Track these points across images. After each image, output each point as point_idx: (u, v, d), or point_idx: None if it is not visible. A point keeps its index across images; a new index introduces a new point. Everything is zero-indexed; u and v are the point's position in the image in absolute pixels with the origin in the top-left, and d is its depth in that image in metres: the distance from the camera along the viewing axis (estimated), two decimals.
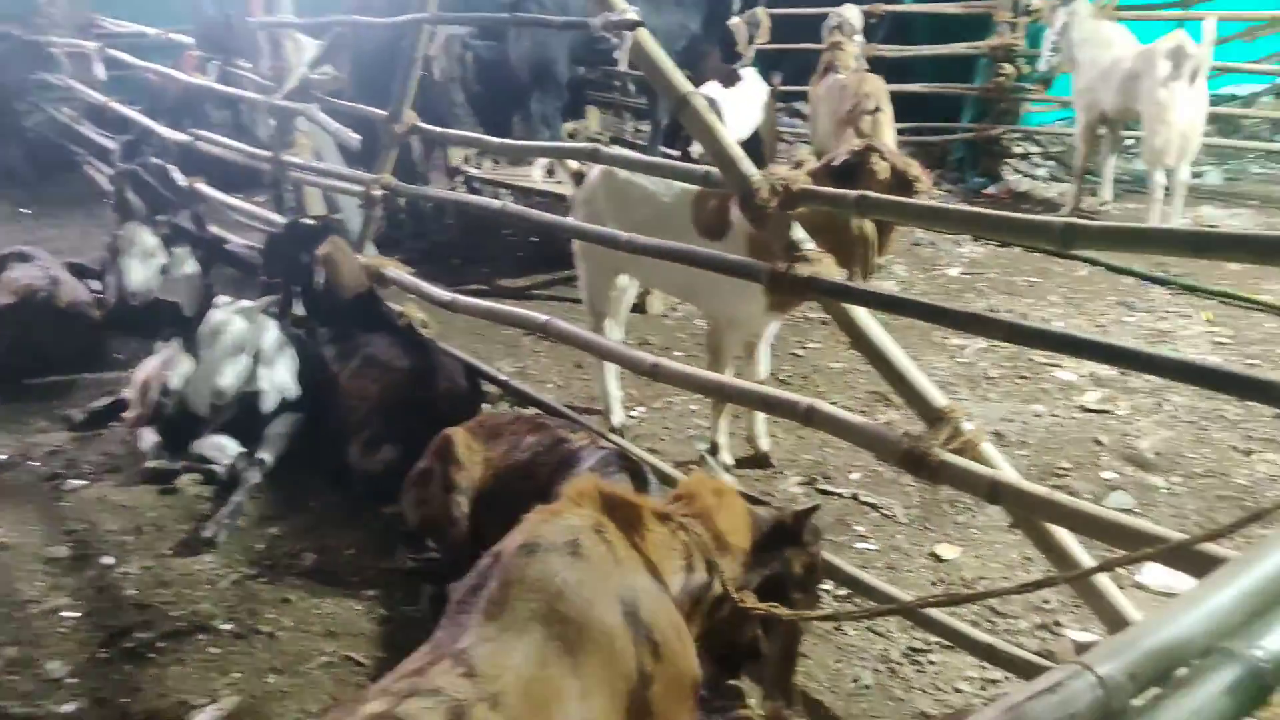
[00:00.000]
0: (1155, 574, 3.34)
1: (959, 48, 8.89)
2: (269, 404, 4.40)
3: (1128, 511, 3.89)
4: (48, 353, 5.73)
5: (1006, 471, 2.43)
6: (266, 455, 4.30)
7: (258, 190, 7.70)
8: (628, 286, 4.64)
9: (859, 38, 7.55)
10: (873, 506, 4.01)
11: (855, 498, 4.07)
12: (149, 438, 4.54)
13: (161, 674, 3.07)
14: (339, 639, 3.25)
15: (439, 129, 4.85)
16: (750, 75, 7.69)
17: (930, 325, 5.63)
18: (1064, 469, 4.27)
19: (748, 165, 2.76)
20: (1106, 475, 4.21)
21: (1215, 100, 9.98)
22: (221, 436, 4.37)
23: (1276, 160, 9.12)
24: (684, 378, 3.11)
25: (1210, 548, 1.69)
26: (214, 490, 4.20)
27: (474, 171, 7.68)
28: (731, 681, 2.28)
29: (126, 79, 9.60)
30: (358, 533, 3.90)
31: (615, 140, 8.84)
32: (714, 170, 2.96)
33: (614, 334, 4.55)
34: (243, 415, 4.39)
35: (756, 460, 4.35)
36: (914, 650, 3.16)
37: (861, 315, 2.63)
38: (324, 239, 4.60)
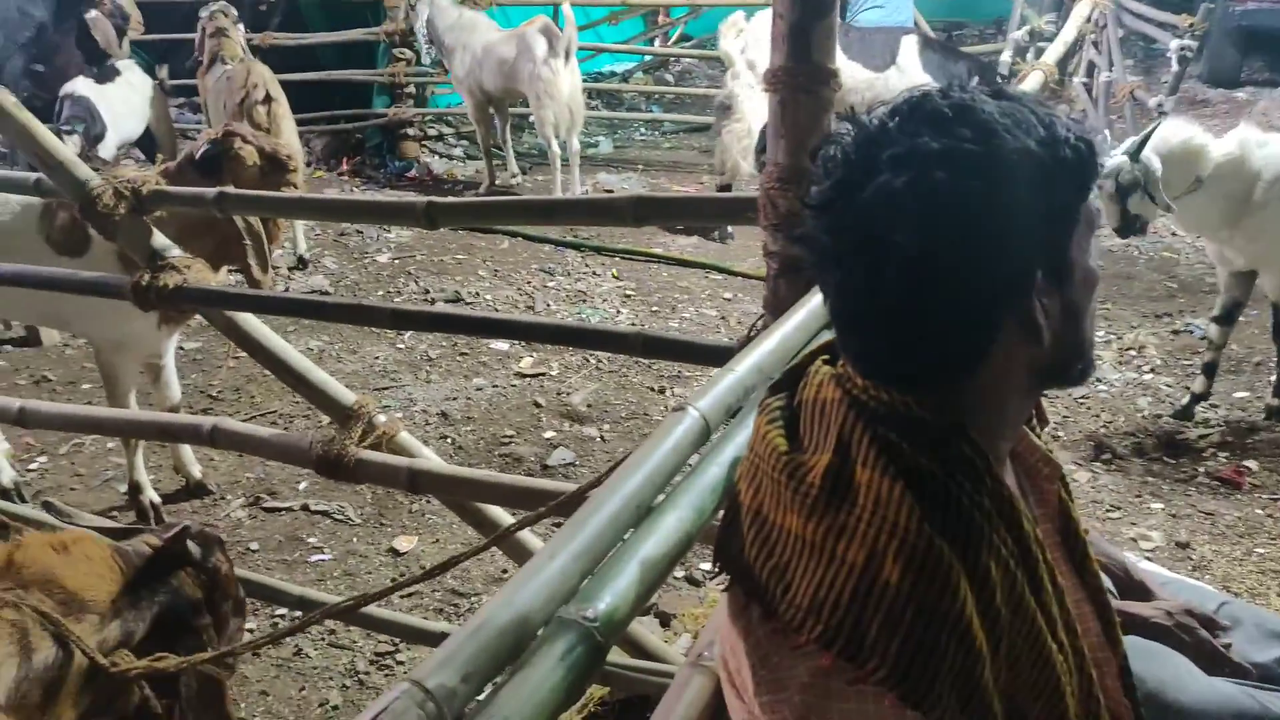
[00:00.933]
0: None
1: (356, 34, 8.85)
2: None
3: (569, 465, 4.19)
4: None
5: (424, 458, 2.41)
6: None
7: None
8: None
9: (242, 26, 7.17)
10: (324, 514, 3.84)
11: (305, 508, 3.87)
12: None
13: None
14: None
15: None
16: (131, 69, 6.95)
17: None
18: (509, 436, 4.46)
19: (82, 169, 2.41)
20: (548, 435, 4.48)
21: (597, 77, 11.21)
22: None
23: (653, 128, 10.45)
24: (62, 418, 2.68)
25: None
26: None
27: None
28: None
29: None
30: None
31: None
32: (43, 177, 2.55)
33: None
34: None
35: (190, 490, 3.95)
36: (380, 655, 3.09)
37: (248, 319, 2.45)
38: None
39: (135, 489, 3.73)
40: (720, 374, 1.46)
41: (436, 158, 9.28)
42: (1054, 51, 5.69)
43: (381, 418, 2.48)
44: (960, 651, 0.95)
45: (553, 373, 5.09)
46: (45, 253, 3.23)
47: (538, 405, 4.74)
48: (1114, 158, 3.59)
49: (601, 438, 4.45)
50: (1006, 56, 8.65)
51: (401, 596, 3.32)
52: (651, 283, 6.34)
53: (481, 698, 0.96)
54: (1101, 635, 1.22)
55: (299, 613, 3.15)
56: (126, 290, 2.47)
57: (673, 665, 2.40)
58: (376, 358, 5.25)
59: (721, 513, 1.19)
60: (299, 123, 6.78)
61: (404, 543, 3.65)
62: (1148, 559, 3.03)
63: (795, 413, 1.11)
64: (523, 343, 5.39)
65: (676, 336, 2.42)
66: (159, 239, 2.51)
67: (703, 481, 1.30)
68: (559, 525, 1.26)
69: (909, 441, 1.00)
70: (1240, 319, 4.32)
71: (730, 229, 6.99)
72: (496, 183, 8.13)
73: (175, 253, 2.51)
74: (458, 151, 9.41)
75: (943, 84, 1.07)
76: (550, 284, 6.34)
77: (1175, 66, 6.67)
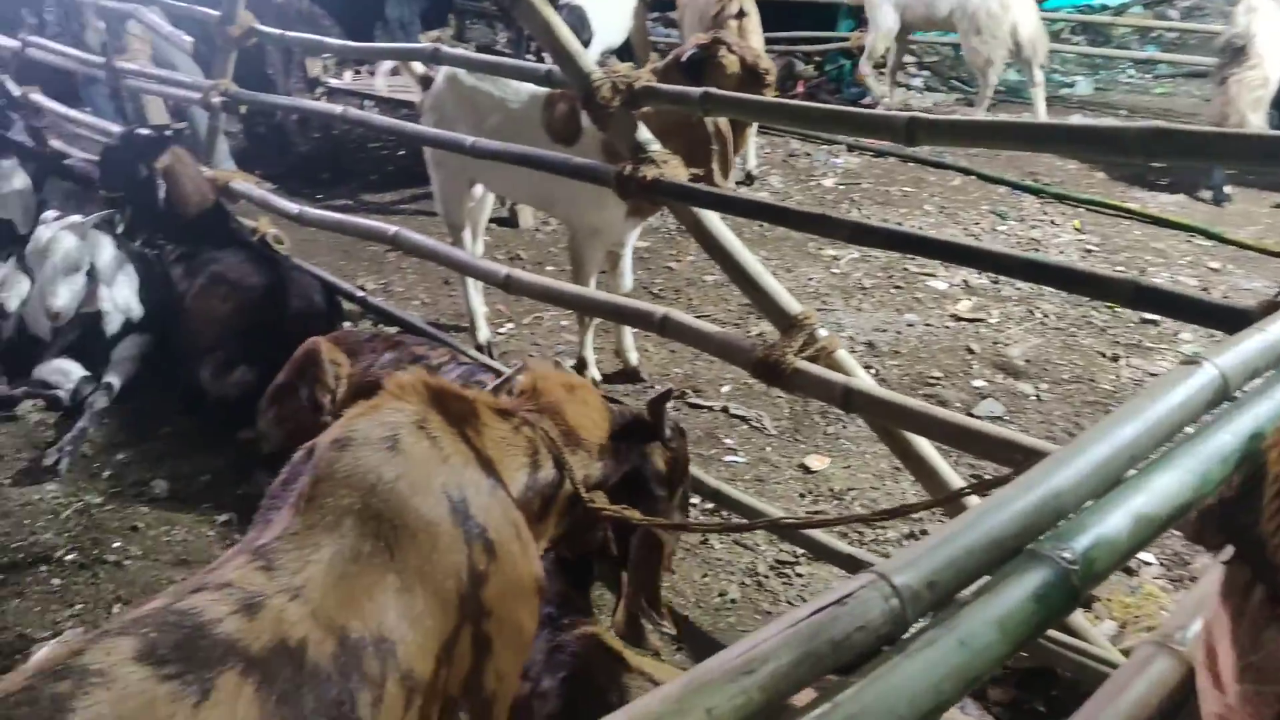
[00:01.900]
0: None
1: None
2: (113, 325, 4.13)
3: (997, 419, 3.96)
4: None
5: (861, 378, 2.39)
6: (113, 379, 4.05)
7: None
8: (484, 197, 4.47)
9: None
10: (742, 419, 3.98)
11: (725, 410, 4.04)
12: None
13: None
14: (191, 567, 3.09)
15: (276, 31, 4.52)
16: None
17: (805, 236, 5.64)
18: (935, 378, 4.31)
19: (587, 62, 2.61)
20: (977, 383, 4.27)
21: (1086, 9, 10.13)
22: (64, 360, 4.10)
23: (1146, 70, 9.31)
24: (538, 289, 2.99)
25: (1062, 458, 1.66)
26: (57, 417, 3.98)
27: (334, 82, 7.29)
28: (580, 595, 2.21)
29: None
30: (212, 458, 3.72)
31: (483, 49, 8.47)
32: (555, 69, 2.80)
33: (474, 247, 4.39)
34: (86, 337, 4.13)
35: (626, 374, 4.28)
36: (781, 563, 3.16)
37: (711, 219, 2.54)
38: (164, 150, 4.27)
39: (581, 364, 4.12)
40: (1247, 333, 1.27)
41: (895, 86, 9.02)
42: None
43: (823, 332, 2.49)
44: None
45: (991, 320, 4.81)
46: (544, 139, 3.60)
47: (970, 351, 4.52)
48: None
49: (1037, 397, 4.15)
50: None
51: (808, 512, 3.37)
52: (1119, 240, 5.74)
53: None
54: None
55: (711, 504, 3.33)
56: (610, 178, 2.67)
57: (1094, 646, 2.21)
58: (810, 279, 5.29)
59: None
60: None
61: (816, 461, 3.69)
62: None
63: None
64: (962, 285, 5.16)
65: (1178, 289, 2.14)
66: (643, 133, 2.68)
67: (1210, 447, 1.13)
68: (976, 479, 1.17)
69: None
70: None
71: (1228, 190, 6.09)
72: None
73: (655, 148, 2.67)
74: (916, 82, 9.07)
75: None
76: (1000, 228, 5.97)
77: None
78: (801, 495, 3.49)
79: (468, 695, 1.56)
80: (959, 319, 4.85)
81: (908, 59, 9.36)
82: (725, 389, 4.21)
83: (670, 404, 2.09)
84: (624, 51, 8.04)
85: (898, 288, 5.18)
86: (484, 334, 4.44)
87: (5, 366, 4.24)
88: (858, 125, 2.37)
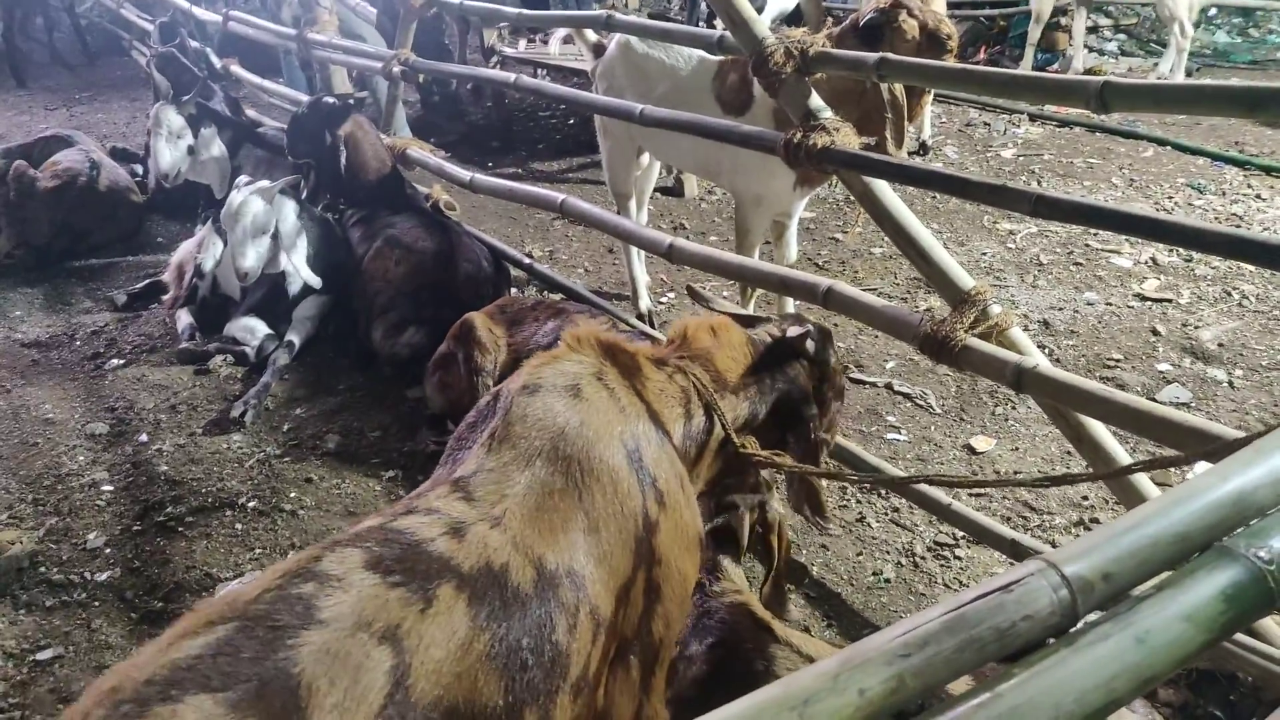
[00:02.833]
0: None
1: None
2: (295, 286, 4.36)
3: (1183, 406, 3.70)
4: (91, 236, 5.85)
5: (1035, 357, 2.27)
6: (294, 338, 4.30)
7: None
8: (650, 165, 4.47)
9: None
10: (906, 396, 3.87)
11: (889, 387, 3.93)
12: (184, 319, 4.60)
13: (190, 547, 3.13)
14: (358, 519, 3.25)
15: (454, 0, 4.62)
16: None
17: (980, 209, 5.40)
18: (1114, 360, 4.07)
19: (760, 27, 2.55)
20: (1162, 367, 4.00)
21: None
22: (252, 318, 4.37)
23: None
24: (701, 259, 2.97)
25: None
26: (244, 371, 4.24)
27: (508, 50, 7.44)
28: (731, 563, 2.19)
29: None
30: (382, 415, 3.89)
31: (656, 16, 8.46)
32: (727, 34, 2.76)
33: (639, 216, 4.40)
34: (271, 297, 4.38)
35: None
36: (939, 545, 3.06)
37: (882, 189, 2.45)
38: (346, 118, 4.47)
39: None
40: None
41: (1088, 51, 8.48)
42: None
43: (996, 308, 2.37)
44: None
45: (1181, 300, 4.49)
46: (713, 108, 3.57)
47: (1155, 333, 4.23)
48: None
49: (1230, 383, 3.85)
50: None
51: (971, 494, 3.25)
52: None
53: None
54: None
55: (868, 483, 3.26)
56: (779, 146, 2.62)
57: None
58: (984, 254, 5.07)
59: None
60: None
61: (981, 442, 3.55)
62: None
63: None
64: (1149, 263, 4.83)
65: None
66: (815, 100, 2.61)
67: None
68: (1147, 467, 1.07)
69: None
70: None
71: None
72: None
73: (827, 115, 2.60)
74: (1110, 46, 8.50)
75: None
76: (1197, 202, 5.54)
77: None
78: (963, 476, 3.36)
79: (639, 638, 1.60)
80: (1144, 298, 4.54)
81: (1103, 21, 8.79)
82: (889, 365, 4.10)
83: (809, 334, 2.05)
84: (795, 18, 7.90)
85: (1078, 264, 4.90)
86: (645, 302, 4.47)
87: (201, 323, 4.55)
88: (1045, 91, 2.21)
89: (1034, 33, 7.58)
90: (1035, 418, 3.63)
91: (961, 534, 3.03)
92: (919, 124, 6.42)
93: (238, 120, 5.56)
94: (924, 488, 2.93)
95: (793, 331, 2.04)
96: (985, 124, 7.04)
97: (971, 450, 3.51)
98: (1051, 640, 0.83)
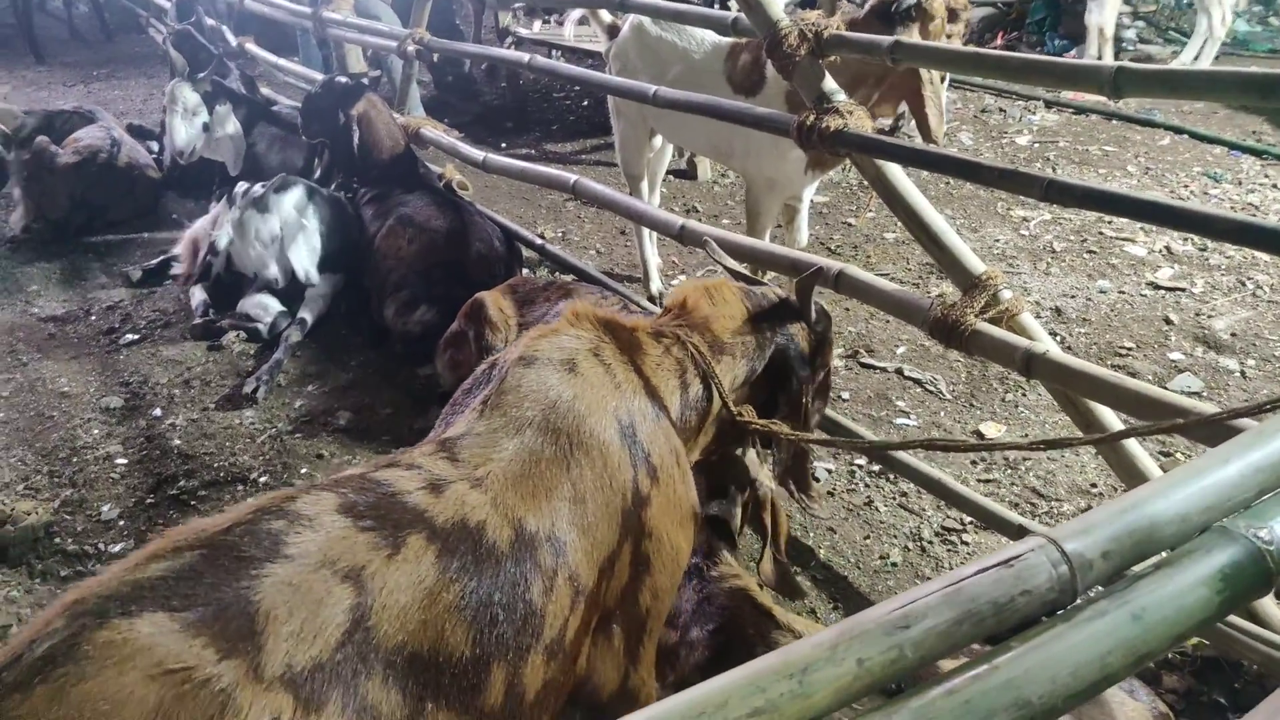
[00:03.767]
0: None
1: None
2: (302, 277, 4.38)
3: (1195, 395, 3.69)
4: (108, 211, 5.89)
5: (1045, 343, 2.27)
6: (306, 315, 4.32)
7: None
8: (663, 148, 4.47)
9: None
10: (916, 382, 3.87)
11: (899, 372, 3.93)
12: (198, 295, 4.63)
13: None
14: None
15: None
16: None
17: (994, 196, 5.38)
18: (1126, 348, 4.05)
19: (775, 9, 2.55)
20: (1174, 356, 3.99)
21: None
22: (264, 295, 4.39)
23: None
24: (713, 238, 2.96)
25: (1247, 423, 1.53)
26: (257, 348, 4.28)
27: (523, 32, 7.44)
28: (726, 547, 2.20)
29: None
30: (394, 393, 3.91)
31: None
32: (741, 16, 2.75)
33: (651, 198, 4.41)
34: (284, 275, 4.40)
35: None
36: (947, 530, 3.07)
37: (895, 172, 2.45)
38: (360, 97, 4.48)
39: None
40: None
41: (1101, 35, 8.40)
42: None
43: (1007, 293, 2.37)
44: None
45: (1195, 290, 4.47)
46: (725, 90, 3.56)
47: (1168, 322, 4.22)
48: None
49: (1242, 373, 3.83)
50: None
51: (979, 480, 3.25)
52: None
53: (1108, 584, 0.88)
54: None
55: (877, 467, 3.28)
56: (791, 128, 2.61)
57: None
58: (997, 240, 5.06)
59: None
60: None
61: (991, 429, 3.55)
62: None
63: None
64: (1164, 252, 4.81)
65: None
66: (829, 83, 2.60)
67: None
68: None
69: None
70: None
71: None
72: None
73: (840, 98, 2.59)
74: (1130, 33, 8.41)
75: None
76: (1213, 191, 5.51)
77: None
78: (974, 463, 3.37)
79: (623, 608, 1.63)
80: (1157, 287, 4.52)
81: (1122, 8, 8.70)
82: (900, 350, 4.10)
83: (816, 286, 2.06)
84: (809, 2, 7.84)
85: (1091, 252, 4.88)
86: (656, 284, 4.47)
87: (214, 299, 4.58)
88: (1059, 76, 2.20)
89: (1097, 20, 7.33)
90: (1046, 405, 3.63)
91: (969, 519, 3.04)
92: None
93: (253, 98, 5.58)
94: (926, 467, 2.94)
95: (798, 294, 2.06)
96: (1001, 110, 7.00)
97: (981, 436, 3.52)
98: (1047, 617, 0.84)
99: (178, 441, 3.61)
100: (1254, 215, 5.16)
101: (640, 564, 1.61)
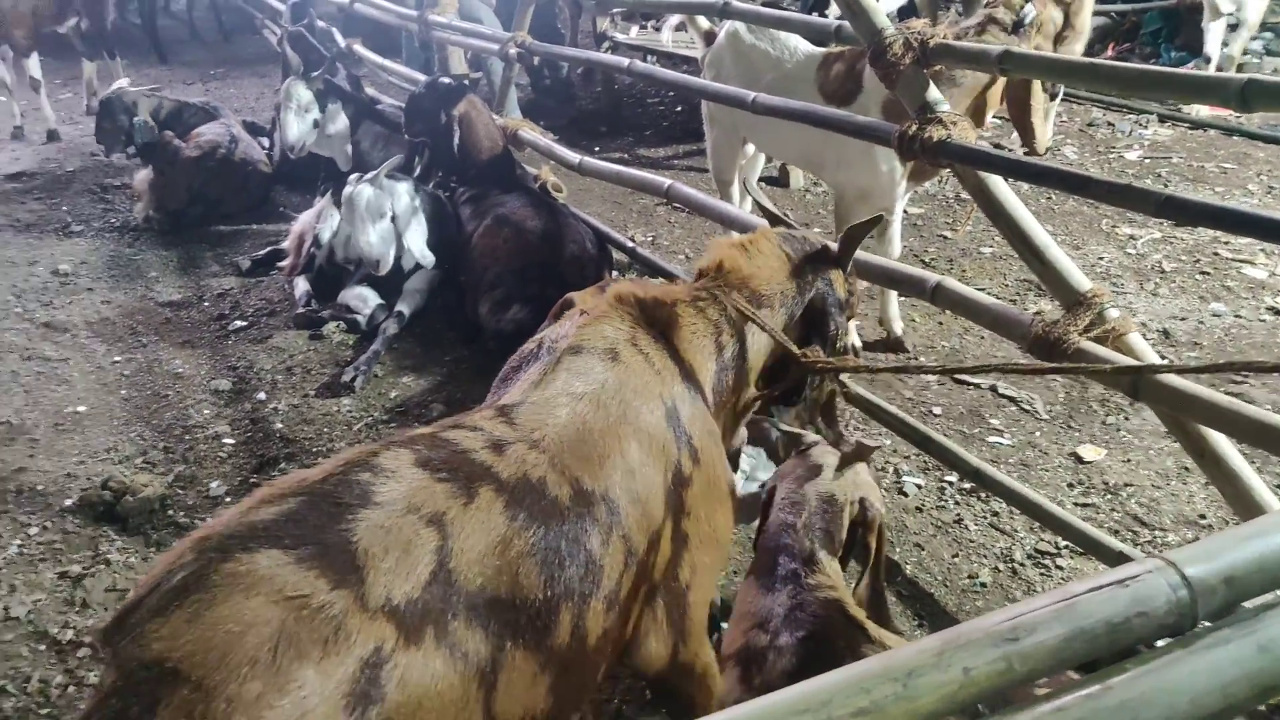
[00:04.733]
0: None
1: None
2: (408, 262, 4.49)
3: None
4: (222, 204, 6.14)
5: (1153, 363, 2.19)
6: (404, 308, 4.42)
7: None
8: (755, 155, 4.46)
9: None
10: (1011, 400, 3.77)
11: (994, 389, 3.84)
12: (301, 286, 4.79)
13: None
14: None
15: None
16: None
17: (1099, 212, 5.23)
18: (1242, 375, 3.89)
19: (880, 17, 2.52)
20: None
21: None
22: (364, 288, 4.52)
23: None
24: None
25: None
26: (355, 339, 4.40)
27: (620, 36, 7.50)
28: (821, 556, 2.16)
29: None
30: (485, 388, 3.92)
31: (769, 4, 8.40)
32: (844, 23, 2.73)
33: (743, 206, 4.39)
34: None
35: (889, 344, 4.16)
36: (1040, 552, 2.99)
37: (998, 185, 2.40)
38: (461, 98, 4.57)
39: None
40: None
41: (1225, 50, 8.09)
42: None
43: (1114, 312, 2.30)
44: None
45: None
46: (816, 99, 3.54)
47: None
48: None
49: None
50: None
51: (1076, 504, 3.16)
52: None
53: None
54: None
55: (970, 484, 3.20)
56: (893, 137, 2.58)
57: None
58: (1100, 258, 4.91)
59: None
60: None
61: (1090, 451, 3.44)
62: None
63: None
64: None
65: None
66: (933, 92, 2.56)
67: None
68: None
69: None
70: None
71: None
72: None
73: (944, 108, 2.55)
74: (1255, 45, 8.05)
75: None
76: None
77: None
78: (1070, 485, 3.27)
79: (665, 582, 1.70)
80: (1278, 311, 4.33)
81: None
82: None
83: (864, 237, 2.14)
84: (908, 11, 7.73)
85: (1205, 273, 4.70)
86: None
87: (316, 290, 4.73)
88: (1180, 88, 2.13)
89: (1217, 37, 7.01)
90: (1150, 429, 3.51)
91: (1065, 543, 2.96)
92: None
93: (359, 97, 5.74)
94: (1018, 486, 2.86)
95: (844, 242, 2.12)
96: (1109, 124, 6.79)
97: (1079, 459, 3.41)
98: (1162, 642, 0.82)
99: (280, 425, 3.73)
100: None
101: (681, 540, 1.69)
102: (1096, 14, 8.25)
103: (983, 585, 2.87)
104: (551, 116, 7.63)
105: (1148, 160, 6.15)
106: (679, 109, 7.79)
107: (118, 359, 4.41)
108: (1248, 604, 0.86)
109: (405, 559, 1.26)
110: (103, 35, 8.87)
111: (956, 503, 3.22)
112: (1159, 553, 0.83)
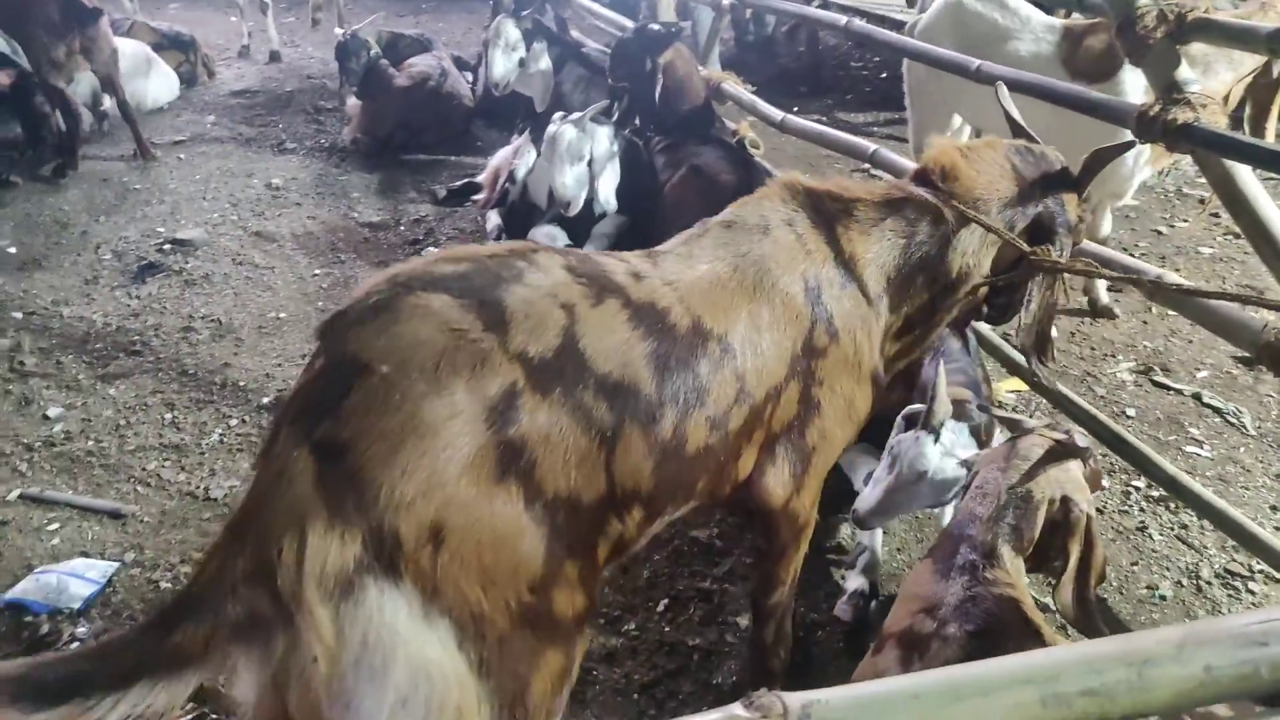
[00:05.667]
0: None
1: None
2: (599, 206, 4.55)
3: None
4: (426, 134, 6.40)
5: None
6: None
7: None
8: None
9: None
10: (1216, 411, 3.53)
11: (1197, 397, 3.60)
12: (493, 219, 4.95)
13: None
14: None
15: None
16: None
17: None
18: None
19: None
20: None
21: None
22: (554, 227, 4.60)
23: None
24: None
25: None
26: None
27: None
28: (1004, 551, 2.08)
29: None
30: None
31: None
32: None
33: None
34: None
35: (1096, 311, 4.11)
36: (1230, 573, 2.82)
37: (1245, 175, 2.22)
38: (668, 46, 4.56)
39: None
40: None
41: None
42: None
43: None
44: None
45: None
46: (1061, 75, 3.35)
47: None
48: None
49: None
50: None
51: (1278, 528, 2.95)
52: None
53: None
54: None
55: (1156, 491, 3.03)
56: (1131, 117, 2.42)
57: None
58: None
59: None
60: None
61: None
62: None
63: None
64: None
65: None
66: (1184, 71, 2.38)
67: None
68: None
69: None
70: None
71: None
72: None
73: (1195, 89, 2.37)
74: None
75: None
76: None
77: None
78: (1273, 507, 3.06)
79: (789, 438, 1.88)
80: None
81: None
82: (1201, 374, 3.75)
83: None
84: None
85: None
86: None
87: (507, 225, 4.87)
88: None
89: None
90: None
91: (1259, 566, 2.77)
92: None
93: (565, 38, 5.82)
94: (1215, 500, 2.67)
95: (1086, 166, 2.10)
96: None
97: None
98: None
99: None
100: None
101: (809, 404, 1.85)
102: None
103: (1162, 598, 2.73)
104: (752, 73, 7.49)
105: None
106: (884, 75, 7.56)
107: (318, 271, 4.69)
108: None
109: (539, 327, 1.52)
110: None
111: (1142, 510, 3.06)
112: None
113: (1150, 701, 0.69)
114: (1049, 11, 3.94)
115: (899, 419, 2.39)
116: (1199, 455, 3.31)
